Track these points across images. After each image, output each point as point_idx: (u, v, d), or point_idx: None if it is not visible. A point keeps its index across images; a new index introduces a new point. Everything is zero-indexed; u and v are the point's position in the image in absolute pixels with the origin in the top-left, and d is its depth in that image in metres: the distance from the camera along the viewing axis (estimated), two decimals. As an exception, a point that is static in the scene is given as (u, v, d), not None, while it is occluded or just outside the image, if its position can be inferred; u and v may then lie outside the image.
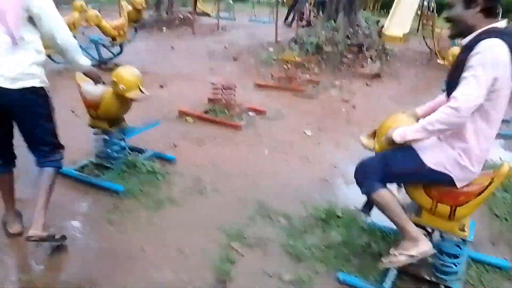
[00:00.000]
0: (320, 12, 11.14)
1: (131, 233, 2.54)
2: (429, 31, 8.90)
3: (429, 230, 2.21)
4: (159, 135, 3.90)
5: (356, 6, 7.62)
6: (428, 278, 2.17)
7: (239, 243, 2.46)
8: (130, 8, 6.81)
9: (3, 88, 2.11)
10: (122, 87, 2.80)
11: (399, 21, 10.53)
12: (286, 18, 13.18)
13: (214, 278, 2.19)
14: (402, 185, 2.18)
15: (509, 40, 1.75)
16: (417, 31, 12.25)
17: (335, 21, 7.48)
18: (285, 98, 5.42)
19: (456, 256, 2.09)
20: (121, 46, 6.37)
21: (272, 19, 11.08)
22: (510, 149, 4.25)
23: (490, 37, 1.76)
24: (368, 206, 2.29)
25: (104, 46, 6.55)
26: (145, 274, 2.20)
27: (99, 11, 6.43)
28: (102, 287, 2.11)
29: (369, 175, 2.08)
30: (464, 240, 2.05)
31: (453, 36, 2.06)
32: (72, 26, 6.74)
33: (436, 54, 7.88)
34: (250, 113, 4.69)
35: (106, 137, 3.21)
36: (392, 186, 2.14)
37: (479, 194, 1.90)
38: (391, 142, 1.98)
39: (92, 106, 3.02)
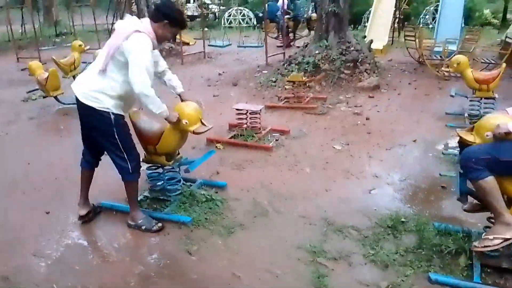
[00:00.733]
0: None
1: (216, 261, 2.61)
2: (410, 43, 9.44)
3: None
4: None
5: (345, 25, 7.98)
6: (509, 266, 2.36)
7: (324, 258, 2.57)
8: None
9: (76, 97, 2.75)
10: (185, 122, 2.89)
11: (377, 35, 11.12)
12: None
13: (316, 292, 2.29)
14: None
15: None
16: (392, 43, 12.94)
17: (326, 40, 7.81)
18: (300, 117, 5.61)
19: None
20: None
21: (261, 43, 11.38)
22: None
23: None
24: (465, 196, 2.48)
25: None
26: (248, 298, 2.28)
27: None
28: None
29: (477, 163, 2.23)
30: None
31: None
32: (73, 66, 6.82)
33: (429, 66, 8.35)
34: (274, 134, 4.84)
35: (161, 170, 3.28)
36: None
37: None
38: (502, 135, 2.18)
39: (150, 142, 3.09)
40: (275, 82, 7.53)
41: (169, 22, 2.76)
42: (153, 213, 3.15)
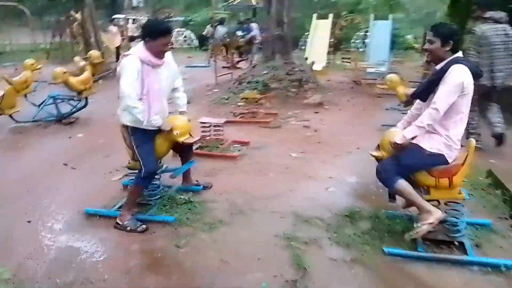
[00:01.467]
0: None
1: (204, 251, 2.95)
2: (347, 65, 10.47)
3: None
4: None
5: (289, 48, 8.73)
6: (443, 238, 2.98)
7: (297, 243, 3.02)
8: (82, 63, 7.05)
9: None
10: (177, 133, 3.24)
11: (316, 57, 12.08)
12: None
13: (295, 269, 2.72)
14: (412, 176, 2.98)
15: (469, 65, 2.74)
16: (328, 66, 14.04)
17: (274, 61, 8.48)
18: (256, 130, 6.11)
19: (460, 216, 2.92)
20: (86, 99, 6.55)
21: (209, 63, 11.86)
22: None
23: (457, 63, 2.71)
24: (392, 196, 3.07)
25: (64, 101, 6.66)
26: (235, 278, 2.65)
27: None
28: (212, 291, 2.52)
29: (388, 173, 2.85)
30: (462, 201, 2.89)
31: (431, 61, 3.01)
32: (24, 85, 6.78)
33: (364, 85, 9.32)
34: (236, 145, 5.27)
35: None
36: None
37: (463, 164, 2.78)
38: (396, 146, 2.83)
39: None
40: (227, 99, 8.01)
41: (150, 37, 3.10)
42: (137, 215, 3.41)
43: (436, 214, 2.80)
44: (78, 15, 12.32)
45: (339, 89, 9.63)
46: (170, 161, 4.08)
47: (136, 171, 3.54)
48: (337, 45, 17.22)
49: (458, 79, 2.66)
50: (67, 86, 6.23)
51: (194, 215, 3.44)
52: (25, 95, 6.53)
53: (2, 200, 3.82)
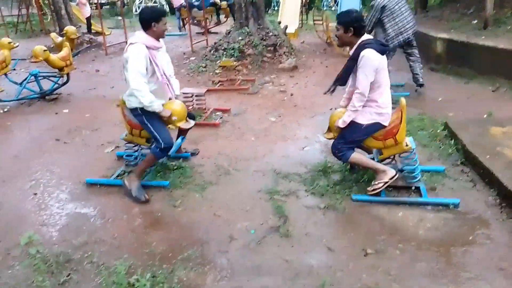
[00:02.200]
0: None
1: (198, 208, 3.38)
2: (320, 26, 10.70)
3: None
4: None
5: (262, 13, 8.90)
6: (403, 184, 3.49)
7: (278, 195, 3.49)
8: (59, 39, 7.13)
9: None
10: (175, 118, 3.55)
11: (289, 19, 12.26)
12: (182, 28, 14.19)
13: (277, 216, 3.19)
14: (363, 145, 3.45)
15: (375, 46, 3.11)
16: (301, 26, 14.23)
17: (247, 27, 8.67)
18: (235, 97, 6.46)
19: (413, 164, 3.42)
20: (68, 76, 6.70)
21: (184, 31, 11.87)
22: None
23: (365, 48, 3.09)
24: (353, 167, 3.61)
25: (45, 77, 6.80)
26: (227, 227, 3.10)
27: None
28: (209, 242, 2.97)
29: (341, 150, 3.35)
30: (412, 151, 3.39)
31: (340, 46, 3.39)
32: (4, 64, 6.86)
33: (335, 47, 9.61)
34: (218, 113, 5.63)
35: (137, 148, 3.92)
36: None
37: (400, 122, 3.25)
38: (339, 128, 3.31)
39: (137, 127, 3.69)
40: (205, 67, 8.25)
41: (155, 21, 3.38)
42: (135, 182, 3.79)
43: (390, 173, 3.31)
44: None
45: (312, 51, 9.95)
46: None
47: (133, 144, 3.90)
48: (309, 4, 17.36)
49: (370, 62, 3.06)
50: (49, 63, 6.35)
51: (185, 178, 3.84)
52: (5, 74, 6.62)
53: (4, 176, 4.11)
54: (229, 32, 9.14)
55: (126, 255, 2.82)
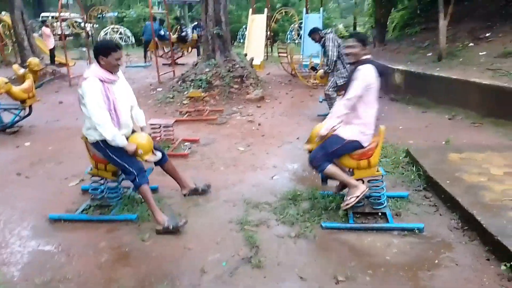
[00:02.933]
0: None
1: (167, 242, 3.31)
2: (284, 58, 11.04)
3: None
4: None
5: (228, 45, 9.11)
6: (370, 211, 3.58)
7: (249, 225, 3.48)
8: (21, 71, 6.99)
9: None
10: (141, 152, 3.52)
11: (254, 52, 12.59)
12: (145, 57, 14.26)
13: (249, 247, 3.18)
14: (337, 161, 3.54)
15: (375, 64, 3.31)
16: (267, 58, 14.62)
17: (214, 59, 8.83)
18: (203, 128, 6.49)
19: (380, 190, 3.54)
20: (30, 108, 6.52)
21: (149, 63, 11.90)
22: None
23: (365, 63, 3.29)
24: (325, 180, 3.63)
25: (6, 110, 6.59)
26: (198, 260, 3.06)
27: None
28: (180, 277, 2.90)
29: (318, 160, 3.41)
30: (381, 177, 3.51)
31: (352, 64, 3.51)
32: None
33: (300, 78, 9.93)
34: (186, 144, 5.62)
35: (103, 181, 3.83)
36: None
37: (376, 146, 3.39)
38: (321, 137, 3.39)
39: (102, 161, 3.63)
40: (172, 98, 8.27)
41: (104, 55, 3.37)
42: (101, 216, 3.70)
43: (361, 188, 3.40)
44: (6, 17, 11.81)
45: (278, 82, 10.21)
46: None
47: (98, 177, 3.82)
48: (273, 37, 17.90)
49: (364, 76, 3.25)
50: (10, 96, 6.18)
51: (154, 211, 3.77)
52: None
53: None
54: (196, 64, 9.27)
55: (93, 293, 2.71)
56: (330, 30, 6.42)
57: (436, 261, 2.95)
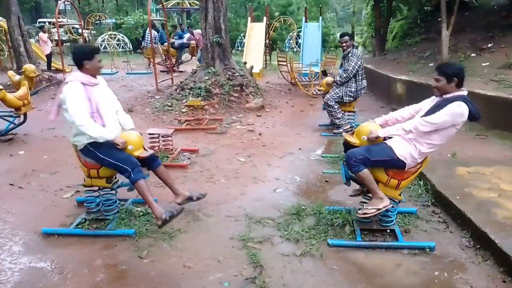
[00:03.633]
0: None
1: (166, 259, 3.15)
2: (284, 67, 10.94)
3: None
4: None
5: (228, 53, 8.99)
6: (378, 227, 3.44)
7: (252, 243, 3.33)
8: (17, 77, 6.82)
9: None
10: (131, 147, 3.39)
11: (253, 60, 12.50)
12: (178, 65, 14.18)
13: (252, 266, 3.02)
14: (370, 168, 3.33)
15: (471, 107, 3.03)
16: (265, 67, 14.54)
17: (214, 67, 8.71)
18: (203, 137, 6.33)
19: (393, 210, 3.39)
20: (25, 115, 6.35)
21: (149, 70, 11.77)
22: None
23: (458, 100, 3.05)
24: (349, 181, 3.47)
25: (1, 117, 6.41)
26: (199, 280, 2.90)
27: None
28: (179, 295, 2.74)
29: (357, 161, 3.21)
30: (400, 201, 3.37)
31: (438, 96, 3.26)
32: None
33: (300, 87, 9.83)
34: (185, 154, 5.47)
35: (98, 193, 3.67)
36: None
37: (414, 173, 3.25)
38: (374, 139, 3.21)
39: (94, 167, 3.48)
40: (171, 106, 8.12)
41: (87, 58, 3.36)
42: (96, 231, 3.53)
43: (385, 202, 3.26)
44: (2, 23, 11.67)
45: (278, 91, 10.10)
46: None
47: (92, 188, 3.66)
48: (272, 46, 17.85)
49: (458, 113, 3.00)
50: (5, 103, 6.01)
51: (152, 226, 3.61)
52: None
53: None
54: (195, 72, 9.14)
55: (87, 316, 2.54)
56: (357, 44, 6.39)
57: (450, 283, 2.80)
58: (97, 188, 3.66)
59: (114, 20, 24.63)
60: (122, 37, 22.57)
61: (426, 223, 3.62)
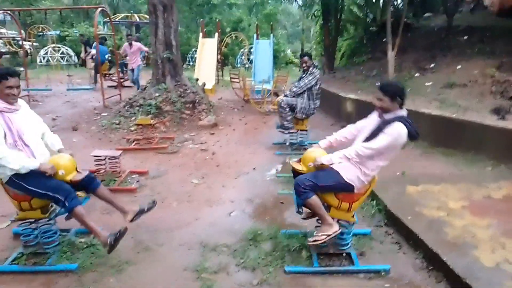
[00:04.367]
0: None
1: (114, 296, 2.92)
2: (236, 84, 10.91)
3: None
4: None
5: (179, 69, 8.81)
6: (334, 251, 3.40)
7: (206, 273, 3.16)
8: None
9: None
10: (62, 172, 3.13)
11: (205, 76, 12.38)
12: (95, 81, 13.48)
13: (207, 300, 2.86)
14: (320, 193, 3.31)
15: (409, 127, 3.07)
16: (218, 82, 14.46)
17: (165, 84, 8.48)
18: (153, 157, 6.08)
19: (348, 233, 3.37)
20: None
21: (92, 85, 11.27)
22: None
23: (398, 121, 3.07)
24: (301, 208, 3.40)
25: None
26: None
27: None
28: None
29: (305, 188, 3.16)
30: (354, 223, 3.36)
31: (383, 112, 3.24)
32: None
33: (253, 104, 9.82)
34: (134, 176, 5.20)
35: (35, 225, 3.35)
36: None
37: (364, 194, 3.25)
38: (319, 166, 3.19)
39: (24, 199, 3.18)
40: (119, 124, 7.78)
41: None
42: (35, 267, 3.21)
43: (335, 228, 3.21)
44: None
45: (230, 107, 10.02)
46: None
47: (27, 220, 3.34)
48: (223, 61, 17.85)
49: (398, 136, 3.04)
50: None
51: (98, 258, 3.35)
52: None
53: None
54: (144, 88, 8.86)
55: None
56: (317, 64, 6.48)
57: (407, 308, 2.80)
58: (33, 219, 3.34)
59: (58, 32, 23.57)
60: (67, 49, 21.65)
61: (380, 244, 3.63)
